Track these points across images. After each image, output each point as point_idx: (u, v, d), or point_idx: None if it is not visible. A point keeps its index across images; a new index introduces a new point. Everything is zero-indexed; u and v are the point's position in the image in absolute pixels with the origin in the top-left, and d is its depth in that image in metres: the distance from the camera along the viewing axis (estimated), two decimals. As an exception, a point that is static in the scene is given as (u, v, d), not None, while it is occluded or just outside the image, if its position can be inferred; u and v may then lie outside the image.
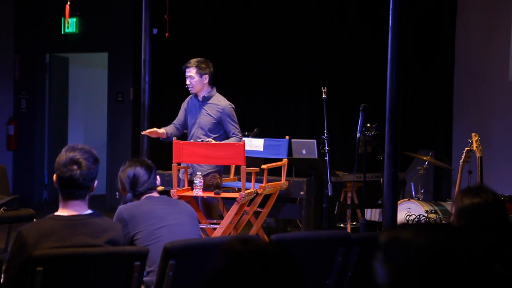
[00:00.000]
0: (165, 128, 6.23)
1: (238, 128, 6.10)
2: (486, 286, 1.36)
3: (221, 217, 6.12)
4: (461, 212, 2.64)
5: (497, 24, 8.36)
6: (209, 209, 6.09)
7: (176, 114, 6.38)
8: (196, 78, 6.08)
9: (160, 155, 8.43)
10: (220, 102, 6.09)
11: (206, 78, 6.09)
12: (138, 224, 3.81)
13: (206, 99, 6.11)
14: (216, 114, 6.05)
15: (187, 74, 6.11)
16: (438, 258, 1.36)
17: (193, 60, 6.13)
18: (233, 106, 6.14)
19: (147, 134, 6.27)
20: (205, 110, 6.10)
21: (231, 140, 5.98)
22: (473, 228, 2.57)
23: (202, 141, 5.98)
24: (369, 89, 8.31)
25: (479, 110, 8.43)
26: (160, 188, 4.29)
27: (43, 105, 11.41)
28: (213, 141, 5.95)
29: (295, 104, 9.47)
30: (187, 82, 6.12)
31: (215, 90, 6.16)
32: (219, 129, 6.08)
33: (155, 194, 4.07)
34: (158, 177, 4.15)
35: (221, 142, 5.95)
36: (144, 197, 3.99)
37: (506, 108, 8.22)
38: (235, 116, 6.11)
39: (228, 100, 6.18)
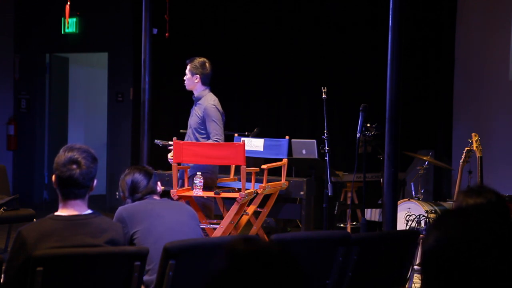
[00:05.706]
0: None
1: (219, 131, 5.95)
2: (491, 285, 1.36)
3: (221, 217, 6.11)
4: None
5: (497, 24, 8.36)
6: (204, 209, 6.07)
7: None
8: (188, 75, 6.13)
9: (160, 155, 8.41)
10: (204, 101, 6.04)
11: (197, 78, 6.10)
12: (137, 222, 3.83)
13: (197, 99, 6.14)
14: (200, 113, 6.04)
15: (186, 70, 6.18)
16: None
17: (196, 58, 6.16)
18: (219, 107, 6.01)
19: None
20: (194, 110, 6.12)
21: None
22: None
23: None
24: (369, 89, 8.30)
25: (479, 110, 8.42)
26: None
27: (43, 105, 11.41)
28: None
29: (295, 104, 9.47)
30: (184, 78, 6.18)
31: (207, 90, 6.12)
32: (205, 129, 6.04)
33: (155, 197, 4.08)
34: (159, 182, 4.16)
35: (222, 143, 5.94)
36: (144, 199, 4.03)
37: (506, 108, 8.21)
38: (218, 117, 5.97)
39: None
